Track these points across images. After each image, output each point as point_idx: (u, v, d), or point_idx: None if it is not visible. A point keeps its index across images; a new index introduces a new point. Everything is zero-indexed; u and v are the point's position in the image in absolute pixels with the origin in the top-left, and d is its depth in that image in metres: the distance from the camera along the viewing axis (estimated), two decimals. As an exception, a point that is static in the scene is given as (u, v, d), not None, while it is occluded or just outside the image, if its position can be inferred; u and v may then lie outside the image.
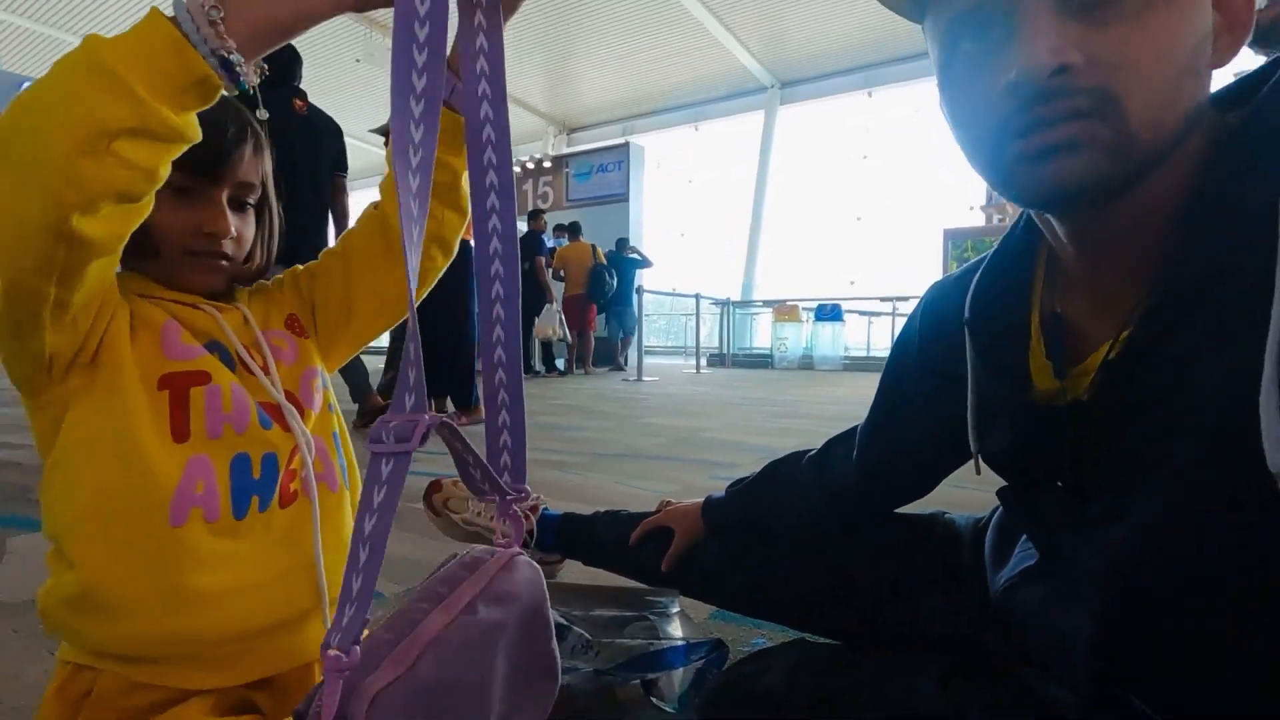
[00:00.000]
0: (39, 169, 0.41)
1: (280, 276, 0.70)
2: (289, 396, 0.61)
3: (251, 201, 0.62)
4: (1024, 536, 0.61)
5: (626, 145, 10.11)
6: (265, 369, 0.60)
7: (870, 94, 10.88)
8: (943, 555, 0.74)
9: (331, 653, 0.35)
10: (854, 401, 4.74)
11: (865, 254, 12.33)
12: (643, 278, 7.83)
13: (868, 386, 6.08)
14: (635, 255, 8.27)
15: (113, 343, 0.54)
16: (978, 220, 6.61)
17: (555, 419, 3.63)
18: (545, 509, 1.15)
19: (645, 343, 7.02)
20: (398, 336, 3.27)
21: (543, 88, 13.83)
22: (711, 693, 0.67)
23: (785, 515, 0.82)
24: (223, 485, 0.55)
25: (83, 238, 0.43)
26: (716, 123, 13.64)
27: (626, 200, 9.88)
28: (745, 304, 11.19)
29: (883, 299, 9.32)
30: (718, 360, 10.09)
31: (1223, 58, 0.42)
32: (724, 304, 10.12)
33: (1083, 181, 0.40)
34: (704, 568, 0.87)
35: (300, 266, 0.70)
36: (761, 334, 11.02)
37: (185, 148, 0.46)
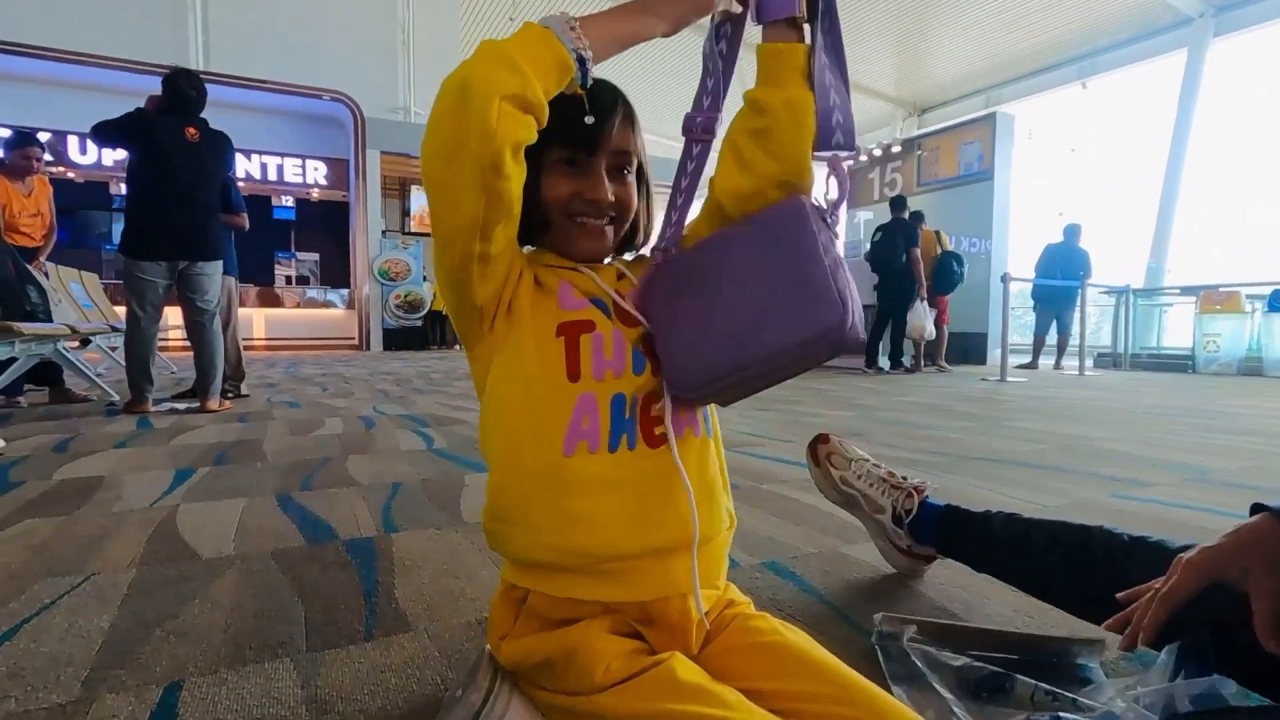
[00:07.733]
0: (466, 136, 0.53)
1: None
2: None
3: (629, 170, 0.69)
4: None
5: (992, 116, 8.96)
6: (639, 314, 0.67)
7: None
8: None
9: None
10: (1338, 419, 3.46)
11: (1357, 219, 8.93)
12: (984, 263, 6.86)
13: (1353, 398, 4.22)
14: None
15: (521, 298, 0.66)
16: None
17: (905, 415, 3.41)
18: (928, 496, 1.08)
19: (1010, 339, 6.13)
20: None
21: (890, 70, 13.04)
22: None
23: None
24: (604, 421, 0.62)
25: (496, 191, 0.55)
26: (1113, 75, 11.30)
27: (990, 178, 8.76)
28: (1152, 292, 9.04)
29: (1392, 280, 6.65)
30: (1109, 360, 8.36)
31: None
32: (1120, 292, 8.33)
33: None
34: None
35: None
36: (1175, 329, 8.76)
37: (535, 130, 0.56)
